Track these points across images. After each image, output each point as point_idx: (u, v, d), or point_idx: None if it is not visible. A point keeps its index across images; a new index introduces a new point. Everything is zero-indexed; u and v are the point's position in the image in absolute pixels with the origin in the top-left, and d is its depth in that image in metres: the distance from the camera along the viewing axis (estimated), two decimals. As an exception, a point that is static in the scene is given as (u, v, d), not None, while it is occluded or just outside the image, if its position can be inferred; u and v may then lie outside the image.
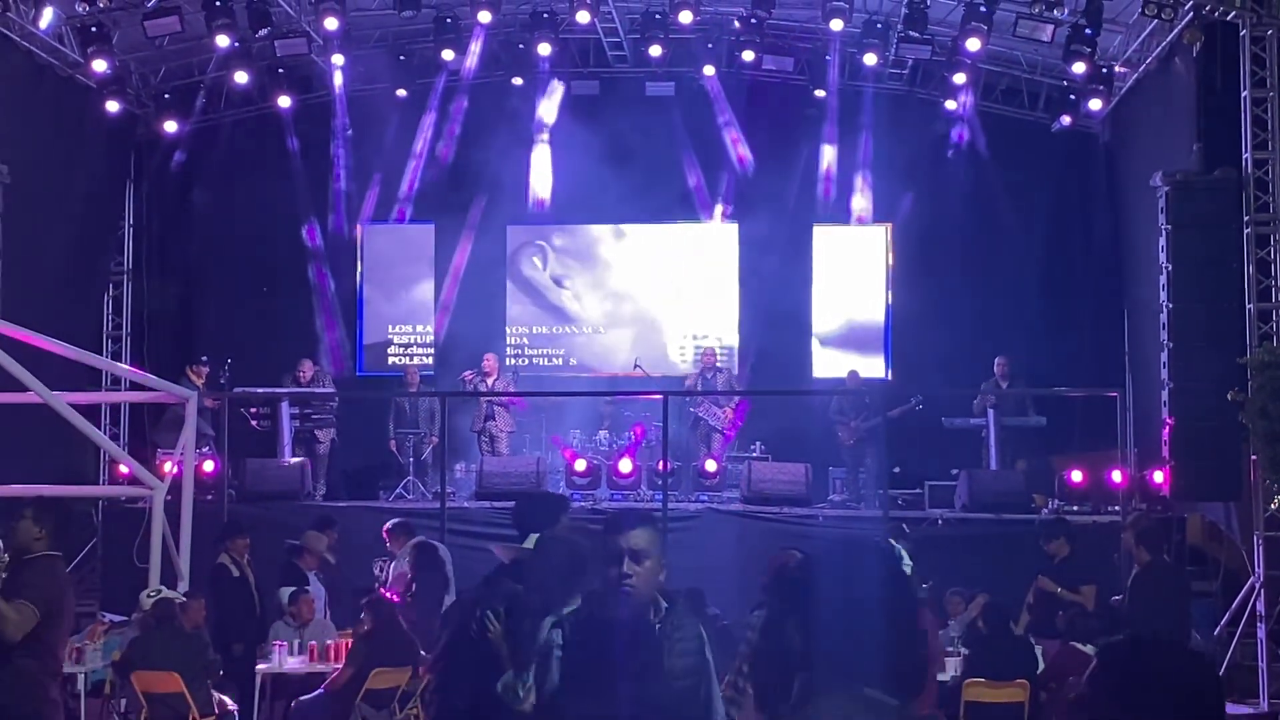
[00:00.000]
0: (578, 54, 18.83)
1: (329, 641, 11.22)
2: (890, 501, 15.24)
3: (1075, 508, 15.11)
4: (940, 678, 9.71)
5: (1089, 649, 9.59)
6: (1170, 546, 12.66)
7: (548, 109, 18.97)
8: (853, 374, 17.76)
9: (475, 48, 17.66)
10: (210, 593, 11.41)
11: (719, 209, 19.34)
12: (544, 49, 17.33)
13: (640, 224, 19.53)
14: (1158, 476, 14.11)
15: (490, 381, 17.03)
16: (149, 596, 10.58)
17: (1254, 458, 12.89)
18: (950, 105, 17.95)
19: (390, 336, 19.72)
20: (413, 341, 19.60)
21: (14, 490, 12.57)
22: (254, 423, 16.59)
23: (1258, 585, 13.04)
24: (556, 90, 18.93)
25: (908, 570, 8.14)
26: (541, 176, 19.12)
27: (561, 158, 18.77)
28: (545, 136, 19.04)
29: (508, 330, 19.57)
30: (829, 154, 18.59)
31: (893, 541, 9.47)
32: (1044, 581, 11.49)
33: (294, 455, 16.38)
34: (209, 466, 14.90)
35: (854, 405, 16.66)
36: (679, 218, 19.51)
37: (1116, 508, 14.41)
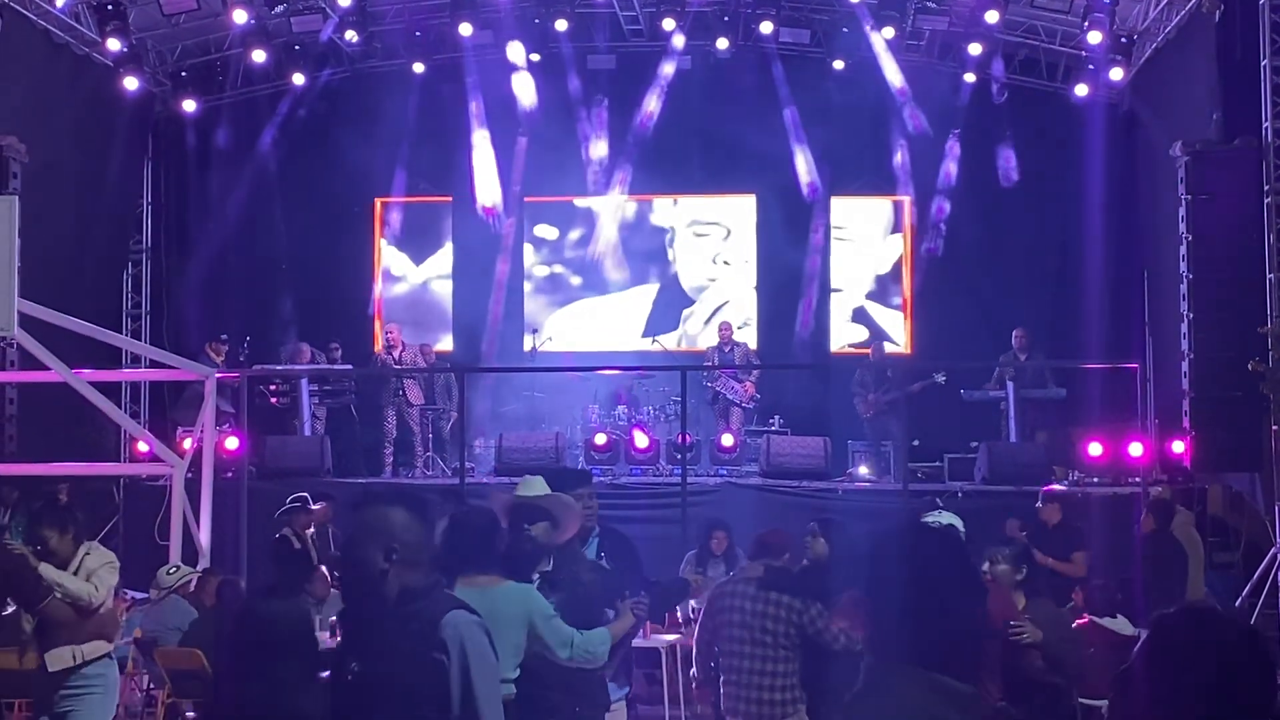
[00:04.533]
0: (594, 28, 18.77)
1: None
2: (910, 474, 15.22)
3: (1095, 479, 15.06)
4: None
5: (1105, 621, 9.58)
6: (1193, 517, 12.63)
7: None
8: (877, 346, 17.75)
9: (493, 15, 17.58)
10: (272, 563, 11.58)
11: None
12: (560, 25, 17.29)
13: (658, 196, 19.52)
14: (1177, 447, 14.04)
15: (397, 354, 16.85)
16: (168, 573, 10.65)
17: (1275, 428, 12.84)
18: (968, 77, 17.86)
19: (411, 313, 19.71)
20: (431, 316, 19.58)
21: (36, 469, 12.67)
22: (273, 400, 16.63)
23: (1279, 556, 13.00)
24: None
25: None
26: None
27: (576, 132, 18.72)
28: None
29: (525, 304, 19.55)
30: (846, 126, 18.47)
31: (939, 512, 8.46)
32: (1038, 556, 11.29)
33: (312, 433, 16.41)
34: (233, 443, 14.89)
35: (875, 378, 16.61)
36: (696, 190, 19.47)
37: (1137, 479, 14.36)
